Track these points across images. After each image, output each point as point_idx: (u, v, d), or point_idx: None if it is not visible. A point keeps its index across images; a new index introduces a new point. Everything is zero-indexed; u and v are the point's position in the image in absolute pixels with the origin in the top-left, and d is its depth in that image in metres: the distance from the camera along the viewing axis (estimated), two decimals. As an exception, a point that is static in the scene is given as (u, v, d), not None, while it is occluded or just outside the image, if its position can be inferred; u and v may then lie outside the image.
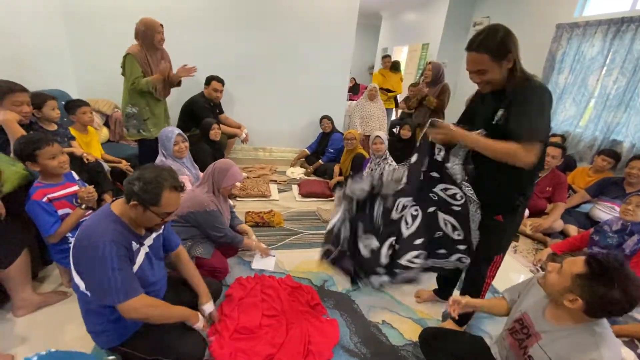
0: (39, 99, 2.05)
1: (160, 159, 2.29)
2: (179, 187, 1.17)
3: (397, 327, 1.69)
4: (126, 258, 1.11)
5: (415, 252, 1.39)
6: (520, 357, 1.14)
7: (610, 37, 3.43)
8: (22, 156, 1.50)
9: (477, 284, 1.58)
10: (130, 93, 2.56)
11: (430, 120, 1.37)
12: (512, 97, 1.24)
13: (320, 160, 3.96)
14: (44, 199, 1.50)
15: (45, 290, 1.70)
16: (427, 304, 1.90)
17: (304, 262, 2.19)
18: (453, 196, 1.40)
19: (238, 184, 1.86)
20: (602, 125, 3.51)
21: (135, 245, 1.17)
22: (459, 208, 1.40)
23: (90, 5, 3.28)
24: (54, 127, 2.18)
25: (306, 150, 4.22)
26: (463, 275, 1.68)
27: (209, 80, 3.39)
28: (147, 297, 1.13)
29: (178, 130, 2.12)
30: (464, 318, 1.69)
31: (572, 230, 2.70)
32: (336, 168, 3.64)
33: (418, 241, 1.40)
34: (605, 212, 2.70)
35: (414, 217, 1.42)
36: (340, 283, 2.01)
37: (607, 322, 1.01)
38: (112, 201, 1.19)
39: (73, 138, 2.34)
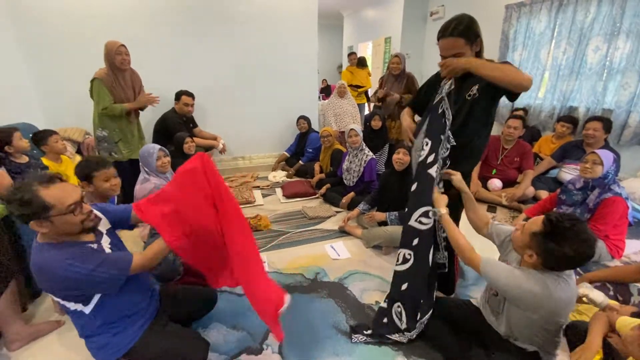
0: (3, 134, 2.03)
1: (143, 177, 2.29)
2: (52, 178, 1.05)
3: (390, 305, 1.77)
4: (92, 256, 1.07)
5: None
6: (494, 297, 1.28)
7: (554, 12, 3.67)
8: (80, 176, 1.60)
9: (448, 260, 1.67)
10: (100, 116, 2.55)
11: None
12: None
13: (300, 161, 4.02)
14: None
15: (38, 322, 1.67)
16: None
17: (295, 258, 2.24)
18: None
19: None
20: (558, 95, 3.74)
21: (92, 245, 1.13)
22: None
23: (47, 33, 3.23)
24: (26, 159, 2.15)
25: (285, 152, 4.27)
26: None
27: (179, 95, 3.40)
28: (137, 254, 1.17)
29: (158, 146, 2.14)
30: (450, 287, 1.79)
31: (544, 194, 2.86)
32: (316, 166, 3.71)
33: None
34: (571, 173, 2.88)
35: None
36: (333, 273, 2.07)
37: (570, 272, 1.11)
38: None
39: (46, 168, 2.30)
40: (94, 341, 1.20)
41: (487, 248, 1.50)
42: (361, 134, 2.99)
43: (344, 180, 3.12)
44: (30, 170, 2.15)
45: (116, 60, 2.46)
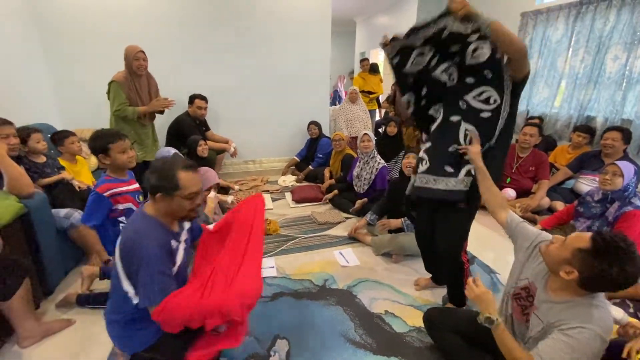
0: (23, 133, 2.08)
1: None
2: (192, 167, 1.21)
3: (400, 315, 1.74)
4: (168, 260, 1.16)
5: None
6: (522, 322, 1.20)
7: (572, 19, 3.60)
8: (95, 149, 1.62)
9: (455, 263, 1.64)
10: (116, 118, 2.61)
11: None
12: None
13: (310, 166, 4.02)
14: (107, 193, 1.58)
15: (49, 320, 1.70)
16: (427, 291, 1.95)
17: (304, 264, 2.23)
18: (486, 100, 1.38)
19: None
20: (575, 104, 3.65)
21: (174, 243, 1.22)
22: (489, 114, 1.38)
23: (66, 37, 3.33)
24: (43, 159, 2.20)
25: (296, 157, 4.28)
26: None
27: (192, 98, 3.45)
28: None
29: (174, 150, 2.18)
30: (462, 299, 1.75)
31: (559, 206, 2.79)
32: (326, 172, 3.70)
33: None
34: (588, 184, 2.80)
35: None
36: (341, 280, 2.05)
37: (603, 296, 1.05)
38: (143, 202, 1.24)
39: (63, 168, 2.35)
40: (122, 328, 1.21)
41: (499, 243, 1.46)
42: (374, 140, 2.97)
43: (354, 187, 3.11)
44: (48, 170, 2.20)
45: (133, 65, 2.53)
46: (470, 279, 1.24)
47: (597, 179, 2.62)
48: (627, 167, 2.00)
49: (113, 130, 1.73)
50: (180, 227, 1.31)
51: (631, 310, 1.65)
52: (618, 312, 1.42)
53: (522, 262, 1.28)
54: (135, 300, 1.15)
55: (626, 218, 1.97)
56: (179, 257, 1.25)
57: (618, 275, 0.93)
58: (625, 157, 2.69)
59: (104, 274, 1.85)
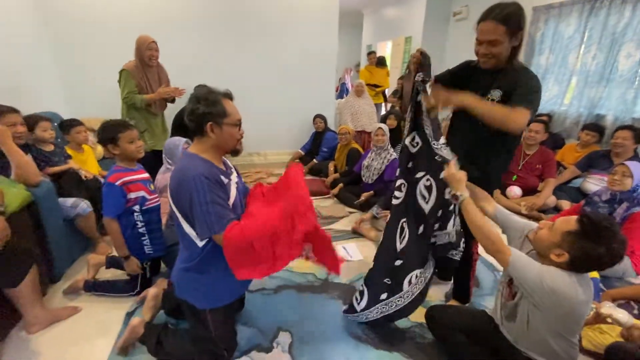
0: (30, 121, 2.09)
1: (165, 168, 2.32)
2: (229, 95, 1.22)
3: (403, 311, 1.74)
4: (220, 190, 1.13)
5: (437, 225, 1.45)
6: (509, 299, 1.23)
7: (585, 15, 3.52)
8: (104, 139, 1.63)
9: (465, 264, 1.64)
10: (127, 107, 2.63)
11: (419, 79, 1.36)
12: (512, 79, 1.28)
13: (314, 160, 4.01)
14: (118, 182, 1.60)
15: (56, 307, 1.72)
16: (430, 287, 1.94)
17: (307, 258, 2.23)
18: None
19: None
20: (585, 101, 3.59)
21: (224, 179, 1.19)
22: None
23: (74, 26, 3.32)
24: (51, 147, 2.22)
25: (300, 151, 4.27)
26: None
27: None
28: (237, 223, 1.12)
29: (184, 139, 2.18)
30: (466, 297, 1.75)
31: (565, 205, 2.77)
32: (330, 166, 3.69)
33: (438, 213, 1.44)
34: (596, 184, 2.77)
35: (429, 188, 1.43)
36: (344, 274, 2.05)
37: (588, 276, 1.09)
38: (186, 148, 1.23)
39: (70, 157, 2.37)
40: (192, 276, 1.23)
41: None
42: (388, 134, 2.95)
43: (362, 178, 3.09)
44: (55, 158, 2.22)
45: (145, 56, 2.53)
46: (449, 163, 1.31)
47: (606, 178, 2.60)
48: (636, 168, 1.98)
49: (121, 121, 1.74)
50: (227, 166, 1.28)
51: (636, 311, 1.64)
52: (623, 315, 1.41)
53: (519, 241, 1.31)
54: (199, 243, 1.16)
55: (634, 219, 1.95)
56: (232, 193, 1.21)
57: (605, 253, 0.99)
58: (635, 157, 2.65)
59: (110, 263, 1.87)
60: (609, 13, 3.31)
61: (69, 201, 1.99)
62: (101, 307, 1.72)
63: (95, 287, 1.79)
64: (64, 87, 3.44)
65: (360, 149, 3.59)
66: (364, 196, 2.93)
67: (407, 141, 1.51)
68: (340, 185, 3.24)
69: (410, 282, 1.44)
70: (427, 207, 1.44)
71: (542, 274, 1.05)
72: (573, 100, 3.74)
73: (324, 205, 3.10)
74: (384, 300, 1.47)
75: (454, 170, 1.29)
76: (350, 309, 1.56)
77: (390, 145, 2.99)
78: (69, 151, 2.41)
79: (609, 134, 2.98)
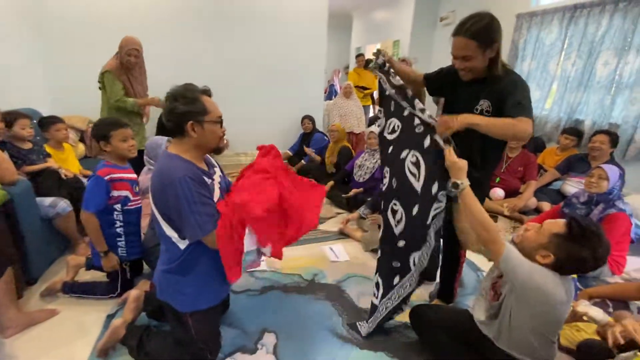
0: (10, 117, 2.02)
1: (147, 168, 2.28)
2: (208, 92, 1.18)
3: (387, 311, 1.76)
4: (205, 189, 1.11)
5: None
6: (494, 301, 1.24)
7: (565, 23, 3.64)
8: (97, 136, 1.62)
9: (454, 262, 1.68)
10: (109, 109, 2.56)
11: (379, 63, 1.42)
12: (498, 88, 1.28)
13: (302, 161, 4.01)
14: (106, 177, 1.57)
15: (33, 310, 1.66)
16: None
17: (294, 258, 2.22)
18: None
19: None
20: (565, 106, 3.71)
21: (207, 179, 1.16)
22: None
23: (57, 22, 3.24)
24: (29, 145, 2.15)
25: (288, 151, 4.26)
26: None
27: None
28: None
29: (166, 137, 2.15)
30: (450, 296, 1.78)
31: (546, 206, 2.85)
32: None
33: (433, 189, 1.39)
34: (575, 186, 2.86)
35: (416, 164, 1.39)
36: (331, 275, 2.06)
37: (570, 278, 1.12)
38: (167, 147, 1.20)
39: (49, 155, 2.30)
40: (173, 279, 1.21)
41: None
42: None
43: (354, 176, 3.12)
44: (33, 157, 2.15)
45: (124, 59, 2.49)
46: (448, 149, 1.27)
47: (584, 181, 2.69)
48: (612, 171, 2.05)
49: (115, 118, 1.73)
50: (209, 166, 1.25)
51: (610, 310, 1.70)
52: (598, 313, 1.45)
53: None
54: (181, 245, 1.14)
55: (610, 220, 2.02)
56: (216, 193, 1.18)
57: (590, 257, 1.02)
58: (612, 160, 2.75)
59: (90, 265, 1.82)
60: (588, 22, 3.44)
61: (47, 200, 1.93)
62: (80, 309, 1.67)
63: (74, 289, 1.74)
64: (46, 83, 3.34)
65: (351, 148, 3.62)
66: (353, 192, 2.97)
67: (385, 133, 1.53)
68: (331, 182, 3.25)
69: (414, 262, 1.42)
70: (418, 185, 1.36)
71: (532, 269, 1.08)
72: (554, 105, 3.86)
73: (311, 206, 3.09)
74: (397, 283, 1.47)
75: (455, 158, 1.23)
76: (372, 309, 1.56)
77: None
78: (49, 149, 2.34)
79: (587, 138, 3.08)
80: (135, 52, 2.51)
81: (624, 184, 2.60)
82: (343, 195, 3.03)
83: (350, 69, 6.59)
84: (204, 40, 3.78)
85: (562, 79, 3.73)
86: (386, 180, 1.53)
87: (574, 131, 3.21)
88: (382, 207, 1.55)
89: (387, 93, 1.49)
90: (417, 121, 1.38)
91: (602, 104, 3.38)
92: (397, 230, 1.46)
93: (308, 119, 4.11)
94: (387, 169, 1.53)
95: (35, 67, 3.24)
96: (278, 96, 4.30)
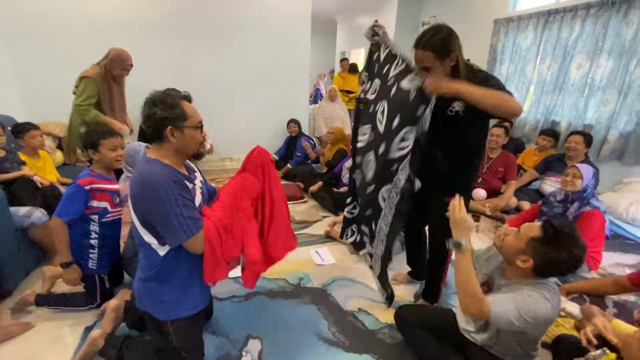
0: None
1: (125, 175, 2.23)
2: (188, 97, 1.17)
3: (373, 313, 1.77)
4: (188, 193, 1.10)
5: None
6: None
7: (540, 28, 3.78)
8: (86, 143, 1.59)
9: (441, 262, 1.70)
10: (74, 114, 2.45)
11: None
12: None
13: (288, 164, 4.00)
14: (87, 187, 1.53)
15: (6, 324, 1.60)
16: (400, 287, 1.99)
17: (279, 263, 2.18)
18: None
19: None
20: (542, 109, 3.84)
21: (188, 184, 1.15)
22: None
23: (31, 28, 3.15)
24: (2, 153, 2.07)
25: (274, 155, 4.25)
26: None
27: None
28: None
29: (144, 143, 2.10)
30: (434, 296, 1.80)
31: (526, 205, 2.92)
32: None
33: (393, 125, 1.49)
34: (552, 185, 2.95)
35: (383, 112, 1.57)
36: (316, 278, 2.05)
37: (553, 280, 1.14)
38: (145, 153, 1.18)
39: (24, 163, 2.23)
40: (152, 287, 1.18)
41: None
42: None
43: (342, 178, 3.16)
44: (7, 165, 2.07)
45: (116, 73, 2.43)
46: (455, 200, 1.22)
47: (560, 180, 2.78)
48: (586, 170, 2.12)
49: (106, 127, 1.69)
50: (190, 171, 1.24)
51: (587, 304, 1.75)
52: (575, 308, 1.50)
53: (481, 267, 1.36)
54: (161, 251, 1.12)
55: (585, 217, 2.09)
56: (197, 198, 1.17)
57: (567, 259, 1.03)
58: (587, 160, 2.85)
59: None
60: (561, 27, 3.58)
61: (22, 210, 1.86)
62: (56, 322, 1.61)
63: (49, 301, 1.67)
64: (20, 89, 3.24)
65: (349, 151, 3.65)
66: (343, 189, 3.03)
67: (368, 94, 1.71)
68: (320, 183, 3.26)
69: (384, 198, 1.46)
70: (382, 127, 1.55)
71: (519, 307, 1.05)
72: (531, 108, 3.98)
73: (298, 210, 3.09)
74: (375, 228, 1.61)
75: (465, 214, 1.18)
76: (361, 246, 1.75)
77: None
78: (23, 157, 2.26)
79: (563, 139, 3.19)
80: (131, 67, 2.46)
81: (598, 183, 2.70)
82: (334, 190, 3.08)
83: (336, 73, 6.65)
84: (185, 45, 3.74)
85: (539, 82, 3.87)
86: (364, 138, 1.65)
87: (551, 132, 3.32)
88: (357, 162, 1.67)
89: (375, 57, 1.67)
90: (394, 72, 1.52)
91: (577, 106, 3.51)
92: (368, 177, 1.62)
93: (294, 122, 4.11)
94: (367, 126, 1.66)
95: (9, 73, 3.14)
96: (263, 100, 4.29)
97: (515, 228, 1.18)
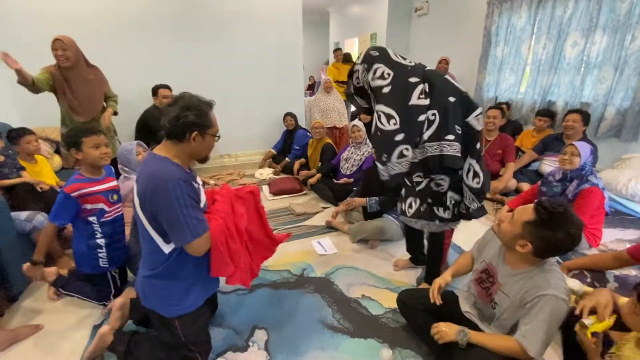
0: None
1: (123, 176, 2.24)
2: (212, 105, 1.20)
3: (376, 299, 1.79)
4: (194, 194, 1.13)
5: None
6: (487, 304, 1.26)
7: (534, 7, 3.74)
8: (69, 143, 1.58)
9: (437, 247, 1.72)
10: (62, 113, 2.50)
11: None
12: None
13: (287, 158, 4.00)
14: (74, 194, 1.53)
15: (15, 327, 1.62)
16: (402, 273, 2.01)
17: (282, 255, 2.21)
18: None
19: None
20: (538, 89, 3.82)
21: (195, 184, 1.18)
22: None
23: (22, 32, 3.12)
24: (1, 158, 2.08)
25: (272, 150, 4.25)
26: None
27: (156, 89, 3.33)
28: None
29: (136, 142, 2.11)
30: (434, 278, 1.81)
31: (525, 187, 2.92)
32: (296, 164, 3.71)
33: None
34: (551, 165, 2.95)
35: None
36: (319, 268, 2.07)
37: (553, 260, 1.15)
38: (152, 149, 1.20)
39: (23, 168, 2.23)
40: (156, 285, 1.20)
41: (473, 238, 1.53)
42: (364, 129, 3.01)
43: (341, 169, 3.16)
44: (6, 170, 2.08)
45: (55, 56, 2.39)
46: (434, 331, 1.26)
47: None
48: (584, 147, 2.12)
49: (88, 126, 1.70)
50: (191, 170, 1.27)
51: (588, 280, 1.76)
52: (575, 284, 1.51)
53: (479, 251, 1.38)
54: (166, 249, 1.14)
55: (584, 195, 2.09)
56: (202, 198, 1.21)
57: (565, 238, 1.02)
58: (584, 138, 2.84)
59: (65, 280, 1.77)
60: (555, 5, 3.54)
61: (23, 214, 1.87)
62: (65, 324, 1.64)
63: (66, 286, 1.71)
64: (14, 95, 3.22)
65: (334, 144, 3.63)
66: (343, 180, 3.04)
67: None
68: (318, 175, 3.27)
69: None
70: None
71: (551, 326, 1.05)
72: (528, 89, 3.96)
73: (298, 202, 3.10)
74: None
75: (450, 334, 1.19)
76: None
77: (368, 139, 3.05)
78: (22, 162, 2.26)
79: (561, 118, 3.18)
80: (59, 44, 2.36)
81: (596, 160, 2.70)
82: (334, 181, 3.09)
83: (330, 64, 6.60)
84: (179, 43, 3.71)
85: (535, 62, 3.83)
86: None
87: (547, 112, 3.31)
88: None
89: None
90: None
91: (573, 85, 3.49)
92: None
93: (290, 116, 4.10)
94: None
95: (1, 79, 3.12)
96: (258, 95, 4.27)
97: (509, 214, 1.17)
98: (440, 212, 1.54)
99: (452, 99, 1.37)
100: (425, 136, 1.40)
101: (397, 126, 1.38)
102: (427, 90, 1.40)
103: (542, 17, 3.69)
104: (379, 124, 1.42)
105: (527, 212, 1.09)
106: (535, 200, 1.12)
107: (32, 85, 2.33)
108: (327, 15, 8.96)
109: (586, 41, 3.33)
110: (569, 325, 1.17)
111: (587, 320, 1.08)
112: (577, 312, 1.12)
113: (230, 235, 1.22)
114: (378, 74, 1.43)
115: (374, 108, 1.48)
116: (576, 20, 3.38)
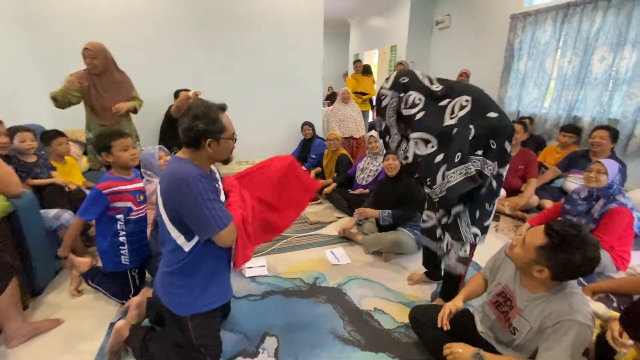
0: (10, 131, 2.09)
1: (145, 180, 2.32)
2: (224, 108, 1.22)
3: (389, 312, 1.75)
4: (215, 190, 1.17)
5: None
6: (505, 329, 1.21)
7: (559, 21, 3.67)
8: (99, 148, 1.67)
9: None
10: (86, 117, 2.60)
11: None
12: None
13: (303, 167, 4.03)
14: (106, 191, 1.62)
15: (37, 320, 1.68)
16: (416, 287, 1.97)
17: (295, 263, 2.24)
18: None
19: None
20: (563, 104, 3.72)
21: (215, 184, 1.23)
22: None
23: (59, 35, 3.33)
24: (34, 158, 2.20)
25: (289, 158, 4.28)
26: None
27: (177, 93, 3.38)
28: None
29: (158, 146, 2.19)
30: (450, 295, 1.76)
31: (548, 204, 2.83)
32: (312, 173, 3.73)
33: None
34: (576, 183, 2.84)
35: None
36: (332, 278, 2.06)
37: (574, 282, 1.08)
38: (174, 153, 1.26)
39: (54, 168, 2.35)
40: (175, 282, 1.23)
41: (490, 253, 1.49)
42: (380, 141, 3.02)
43: (356, 180, 3.16)
44: (38, 169, 2.20)
45: (85, 63, 2.46)
46: (447, 352, 1.24)
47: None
48: (611, 165, 2.04)
49: (115, 129, 1.78)
50: (212, 172, 1.31)
51: (614, 304, 1.68)
52: (600, 307, 1.44)
53: (493, 272, 1.34)
54: (186, 247, 1.18)
55: (611, 215, 2.00)
56: (222, 197, 1.27)
57: (583, 260, 0.96)
58: (613, 156, 2.73)
59: (91, 275, 1.84)
60: (582, 19, 3.46)
61: (52, 212, 1.97)
62: (84, 319, 1.69)
63: (95, 279, 1.78)
64: (48, 97, 3.42)
65: (349, 155, 3.64)
66: (358, 191, 3.05)
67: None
68: (334, 184, 3.27)
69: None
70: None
71: (572, 350, 0.99)
72: (552, 103, 3.86)
73: (312, 211, 3.11)
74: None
75: (464, 356, 1.18)
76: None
77: (384, 150, 3.05)
78: (53, 163, 2.39)
79: (588, 134, 3.07)
80: (87, 52, 2.42)
81: (625, 179, 2.58)
82: (349, 191, 3.10)
83: (349, 76, 6.66)
84: (201, 48, 3.86)
85: (559, 76, 3.74)
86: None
87: (572, 128, 3.20)
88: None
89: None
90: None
91: (600, 100, 3.38)
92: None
93: (308, 125, 4.15)
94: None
95: (36, 82, 3.32)
96: (277, 103, 4.36)
97: (520, 237, 1.12)
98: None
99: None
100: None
101: (435, 148, 1.40)
102: (463, 104, 1.38)
103: (568, 31, 3.62)
104: (417, 151, 1.43)
105: (538, 235, 1.03)
106: (545, 224, 1.06)
107: (57, 102, 2.44)
108: (347, 26, 9.09)
109: (614, 56, 3.23)
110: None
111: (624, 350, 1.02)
112: (609, 337, 1.06)
113: (247, 222, 1.29)
114: (410, 102, 1.46)
115: (408, 136, 1.50)
116: (604, 35, 3.29)
